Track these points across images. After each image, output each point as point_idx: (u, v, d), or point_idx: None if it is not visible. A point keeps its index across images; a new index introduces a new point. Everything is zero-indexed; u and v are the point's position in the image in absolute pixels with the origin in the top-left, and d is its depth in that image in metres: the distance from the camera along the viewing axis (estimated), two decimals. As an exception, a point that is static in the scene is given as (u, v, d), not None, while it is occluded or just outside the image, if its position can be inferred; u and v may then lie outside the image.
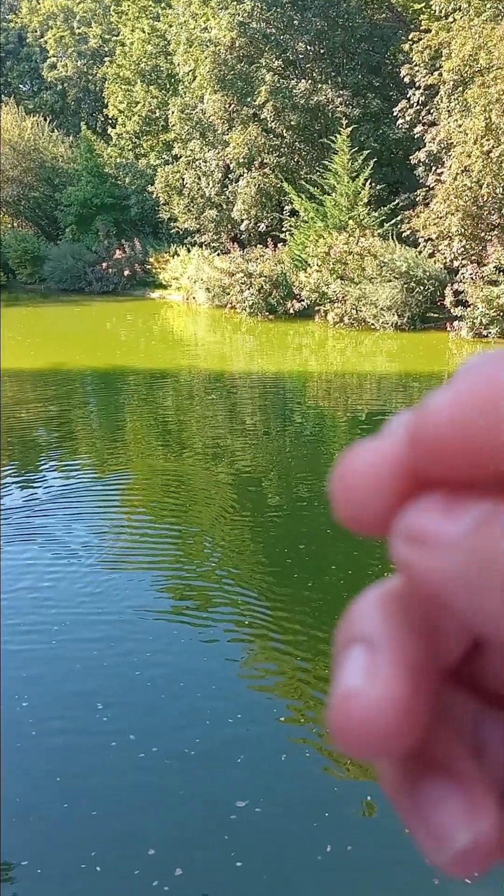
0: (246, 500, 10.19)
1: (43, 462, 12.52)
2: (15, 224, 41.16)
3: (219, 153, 28.03)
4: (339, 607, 7.34)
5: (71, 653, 6.64)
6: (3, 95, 46.48)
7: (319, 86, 27.06)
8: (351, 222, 23.94)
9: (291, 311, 24.27)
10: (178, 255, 30.82)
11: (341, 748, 0.28)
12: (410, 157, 24.38)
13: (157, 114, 33.25)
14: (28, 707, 5.83)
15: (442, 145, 23.07)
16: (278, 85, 26.07)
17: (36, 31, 53.02)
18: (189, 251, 30.28)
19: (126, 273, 32.22)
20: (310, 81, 26.75)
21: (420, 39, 22.03)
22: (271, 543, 8.91)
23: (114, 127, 36.57)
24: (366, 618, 0.29)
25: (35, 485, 11.23)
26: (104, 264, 32.51)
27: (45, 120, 42.42)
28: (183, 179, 29.83)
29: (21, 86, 54.66)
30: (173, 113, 29.12)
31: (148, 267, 32.33)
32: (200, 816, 4.78)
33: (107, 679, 6.22)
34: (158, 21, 33.19)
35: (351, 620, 0.30)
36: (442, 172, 22.96)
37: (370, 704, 0.27)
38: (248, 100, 26.86)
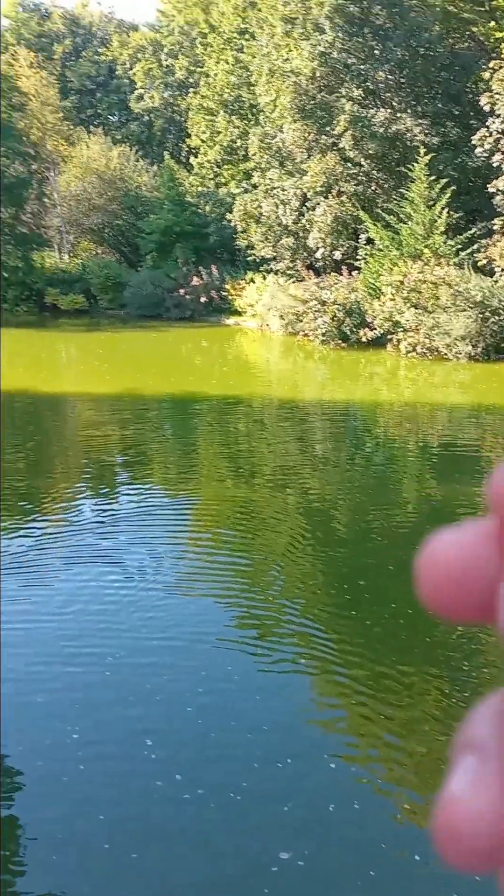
0: (313, 529, 10.13)
1: (114, 483, 12.81)
2: (99, 251, 42.25)
3: (297, 182, 28.25)
4: (400, 643, 7.24)
5: (125, 679, 6.67)
6: (91, 126, 47.83)
7: (399, 115, 27.06)
8: (426, 251, 23.76)
9: (364, 339, 24.17)
10: (254, 283, 31.10)
11: (442, 855, 0.27)
12: (489, 186, 24.11)
13: (238, 143, 33.77)
14: (78, 737, 5.88)
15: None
16: (358, 114, 26.17)
17: (125, 64, 54.55)
18: (265, 278, 30.54)
19: (203, 299, 32.67)
20: (389, 110, 26.78)
21: (501, 68, 21.82)
22: (336, 575, 8.84)
23: (196, 157, 37.27)
24: (482, 726, 0.29)
25: (104, 506, 11.52)
26: (182, 291, 33.05)
27: (131, 150, 43.54)
28: (261, 208, 30.14)
29: (110, 117, 56.25)
30: (253, 142, 29.53)
31: (224, 293, 32.72)
32: (241, 867, 4.72)
33: (158, 711, 6.21)
34: (242, 53, 33.77)
35: (468, 726, 0.30)
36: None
37: (474, 812, 0.27)
38: (328, 129, 27.04)
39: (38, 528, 10.28)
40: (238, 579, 8.81)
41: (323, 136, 27.23)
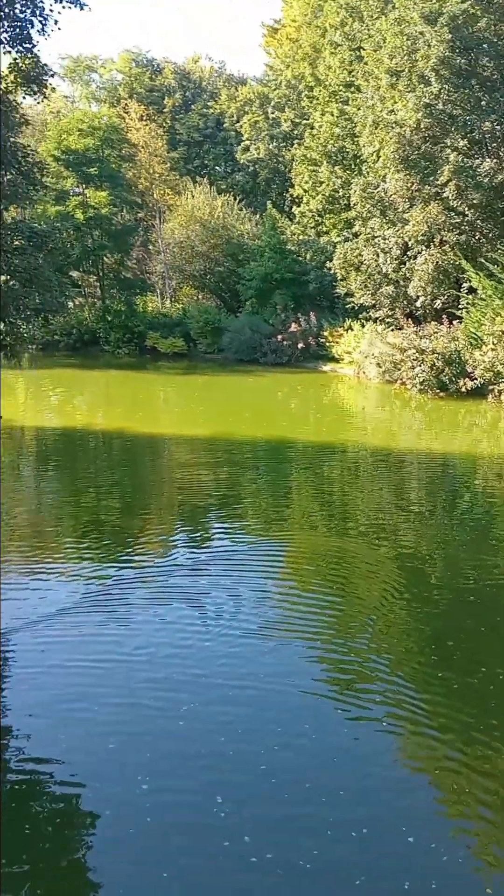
0: (406, 581, 9.78)
1: (205, 527, 12.77)
2: (199, 296, 43.10)
3: (398, 231, 28.16)
4: (491, 702, 6.92)
5: (200, 724, 6.48)
6: (198, 176, 49.17)
7: (504, 164, 26.74)
8: (531, 301, 23.20)
9: (463, 389, 23.65)
10: (352, 330, 31.02)
11: None
12: None
13: (340, 193, 34.02)
14: (147, 788, 5.69)
15: None
16: (462, 164, 25.97)
17: (233, 117, 56.02)
18: (363, 326, 30.42)
19: (300, 346, 32.78)
20: (495, 160, 26.48)
21: None
22: (428, 630, 8.47)
23: (298, 205, 37.74)
24: None
25: (196, 545, 11.53)
26: (279, 336, 33.25)
27: (234, 199, 44.48)
28: (361, 256, 30.14)
29: (216, 167, 57.76)
30: (355, 192, 29.66)
31: (321, 340, 32.76)
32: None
33: (233, 765, 5.97)
34: (347, 105, 34.18)
35: None
36: None
37: None
38: (431, 179, 26.92)
39: (126, 566, 10.30)
40: (327, 626, 8.57)
41: (426, 186, 27.11)
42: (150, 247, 44.05)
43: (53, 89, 20.51)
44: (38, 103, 24.87)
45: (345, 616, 8.90)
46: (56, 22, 17.99)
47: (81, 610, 8.77)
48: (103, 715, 6.67)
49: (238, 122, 54.91)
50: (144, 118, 42.93)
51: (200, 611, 8.83)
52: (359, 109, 31.63)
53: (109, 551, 10.97)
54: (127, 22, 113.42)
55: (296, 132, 46.91)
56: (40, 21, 17.73)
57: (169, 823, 5.32)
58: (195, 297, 42.72)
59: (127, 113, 42.68)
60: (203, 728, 6.47)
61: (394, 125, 27.20)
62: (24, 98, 21.43)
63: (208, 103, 58.11)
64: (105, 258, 39.47)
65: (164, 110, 57.53)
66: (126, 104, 45.51)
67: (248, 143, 53.31)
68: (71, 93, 61.98)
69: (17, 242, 19.03)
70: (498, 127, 26.78)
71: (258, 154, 52.86)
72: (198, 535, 12.18)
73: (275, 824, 5.31)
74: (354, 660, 7.74)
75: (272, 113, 52.32)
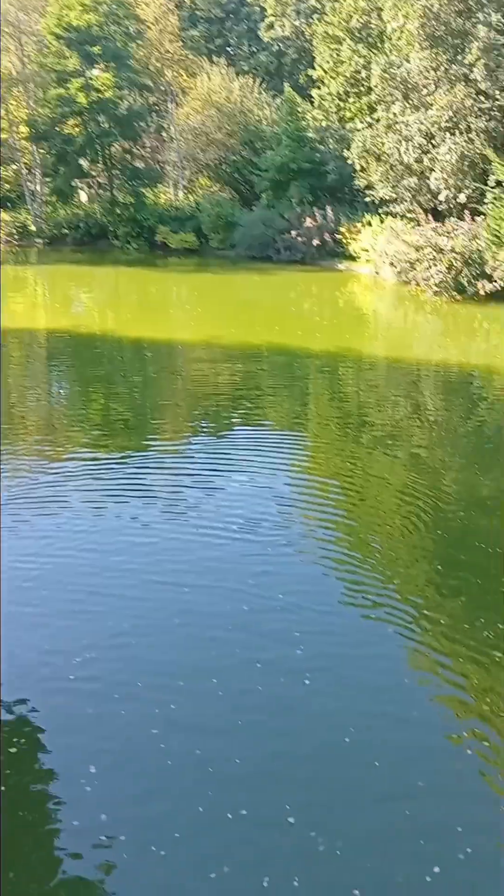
0: (419, 488, 9.39)
1: (221, 422, 12.70)
2: (215, 188, 40.83)
3: (421, 116, 25.89)
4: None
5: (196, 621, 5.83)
6: (214, 56, 46.04)
7: (541, 42, 24.23)
8: None
9: (482, 292, 22.03)
10: (371, 226, 29.08)
11: None
12: None
13: (363, 74, 31.32)
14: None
15: None
16: (493, 41, 23.51)
17: (257, -10, 52.13)
18: (382, 222, 28.47)
19: (315, 242, 30.90)
20: (530, 37, 23.99)
21: None
22: (438, 541, 8.18)
23: (318, 88, 35.01)
24: None
25: (208, 441, 11.77)
26: (294, 232, 31.37)
27: (254, 81, 41.59)
28: (382, 144, 27.92)
29: (239, 47, 54.14)
30: (375, 72, 27.22)
31: (338, 237, 30.83)
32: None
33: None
34: (374, -26, 31.12)
35: None
36: None
37: None
38: (458, 58, 24.51)
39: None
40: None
41: (453, 66, 24.70)
42: (164, 134, 41.55)
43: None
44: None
45: (356, 522, 8.65)
46: None
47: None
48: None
49: (263, -5, 51.07)
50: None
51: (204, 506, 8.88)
52: (384, -22, 28.78)
53: (130, 439, 11.45)
54: None
55: (324, 6, 43.37)
56: None
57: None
58: (210, 189, 40.42)
59: (135, -15, 39.45)
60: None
61: (419, -4, 24.61)
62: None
63: (228, -24, 54.04)
64: (112, 146, 37.25)
65: (184, -17, 53.66)
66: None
67: (272, 19, 49.68)
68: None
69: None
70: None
71: (283, 31, 49.32)
72: (211, 432, 12.25)
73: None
74: (363, 565, 7.58)
75: (299, -16, 48.52)
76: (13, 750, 5.03)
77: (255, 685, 5.69)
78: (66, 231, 38.31)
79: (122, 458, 10.62)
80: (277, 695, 5.60)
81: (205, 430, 12.46)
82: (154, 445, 11.47)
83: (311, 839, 4.31)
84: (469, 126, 24.84)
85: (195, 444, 11.67)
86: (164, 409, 13.75)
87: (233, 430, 12.41)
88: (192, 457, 10.98)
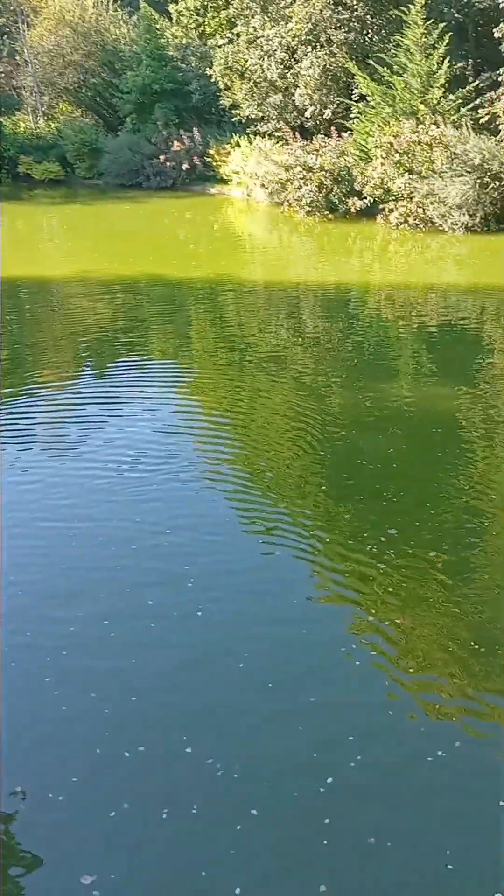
0: (307, 411, 9.47)
1: (104, 357, 12.50)
2: (77, 114, 39.05)
3: (282, 30, 25.32)
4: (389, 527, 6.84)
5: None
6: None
7: None
8: (423, 107, 21.35)
9: (353, 209, 22.10)
10: (240, 147, 28.56)
11: None
12: (495, 31, 21.37)
13: (221, -14, 30.30)
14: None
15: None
16: None
17: None
18: (251, 143, 27.98)
19: (185, 167, 30.15)
20: None
21: None
22: (328, 458, 8.34)
23: (175, 3, 33.67)
24: None
25: (94, 376, 11.58)
26: (162, 157, 30.49)
27: (109, -1, 39.61)
28: (245, 61, 27.25)
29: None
30: (232, -17, 26.43)
31: (208, 160, 30.17)
32: None
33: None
34: None
35: None
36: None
37: None
38: (315, -35, 23.96)
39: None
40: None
41: (310, -25, 24.15)
42: (17, 58, 39.24)
43: None
44: None
45: (245, 448, 8.74)
46: None
47: None
48: None
49: None
50: None
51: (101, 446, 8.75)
52: None
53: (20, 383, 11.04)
54: None
55: None
56: None
57: None
58: (72, 115, 38.61)
59: None
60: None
61: None
62: None
63: None
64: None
65: None
66: None
67: None
68: None
69: None
70: None
71: None
72: (93, 367, 12.07)
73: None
74: (252, 490, 7.68)
75: None
76: None
77: (146, 622, 5.70)
78: None
79: (10, 399, 10.31)
80: (170, 629, 5.63)
81: (87, 365, 12.25)
82: (34, 385, 11.12)
83: (208, 766, 4.39)
84: (329, 38, 24.49)
85: (78, 380, 11.48)
86: (43, 346, 13.35)
87: (115, 363, 12.22)
88: (77, 393, 10.80)
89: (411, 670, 5.19)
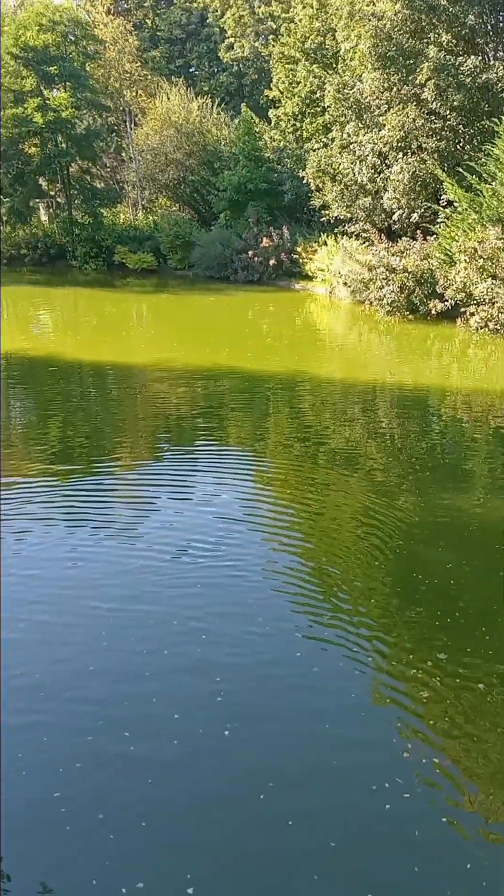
0: (375, 510, 9.32)
1: (181, 443, 12.72)
2: (174, 208, 40.71)
3: (374, 136, 25.92)
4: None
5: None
6: (178, 77, 46.06)
7: (491, 62, 24.42)
8: (509, 215, 21.29)
9: (434, 311, 21.98)
10: (326, 245, 29.02)
11: None
12: None
13: (318, 94, 31.40)
14: None
15: None
16: (444, 61, 23.61)
17: (216, 11, 52.30)
18: (337, 241, 28.42)
19: (272, 262, 30.79)
20: (480, 57, 24.14)
21: None
22: (395, 562, 8.11)
23: (276, 109, 35.06)
24: None
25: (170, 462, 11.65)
26: (251, 252, 31.25)
27: (213, 102, 41.60)
28: (337, 164, 27.91)
29: (199, 68, 54.25)
30: (329, 92, 27.25)
31: (295, 257, 30.75)
32: None
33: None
34: (328, -5, 31.23)
35: None
36: None
37: None
38: (410, 78, 24.58)
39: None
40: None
41: (404, 86, 24.77)
42: (123, 154, 41.35)
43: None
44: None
45: (313, 545, 8.58)
46: None
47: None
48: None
49: (222, 17, 51.30)
50: (112, 12, 39.64)
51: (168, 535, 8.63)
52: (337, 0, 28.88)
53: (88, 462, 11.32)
54: None
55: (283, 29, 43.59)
56: None
57: None
58: (170, 210, 40.26)
59: (93, 6, 39.34)
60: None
61: (371, 17, 24.70)
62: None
63: (191, -4, 54.21)
64: (71, 166, 36.99)
65: (145, 4, 53.76)
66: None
67: (231, 40, 49.91)
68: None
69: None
70: (484, 20, 24.36)
71: (243, 52, 49.58)
72: (168, 450, 12.24)
73: None
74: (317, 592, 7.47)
75: (258, 7, 48.80)
76: None
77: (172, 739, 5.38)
78: (25, 251, 37.96)
79: (77, 478, 10.40)
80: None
81: (161, 448, 12.41)
82: (112, 466, 11.21)
83: None
84: (420, 146, 24.91)
85: (150, 462, 11.63)
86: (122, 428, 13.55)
87: (189, 447, 12.36)
88: (147, 475, 10.92)
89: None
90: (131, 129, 39.82)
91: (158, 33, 52.98)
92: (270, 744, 5.22)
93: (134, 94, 40.79)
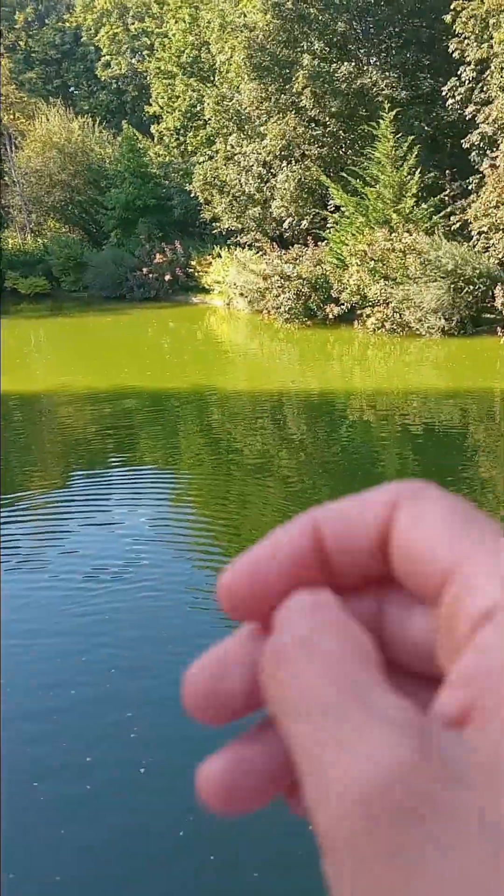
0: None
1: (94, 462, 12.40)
2: (64, 229, 40.05)
3: (257, 146, 26.07)
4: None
5: None
6: (57, 97, 45.43)
7: (365, 67, 24.88)
8: (395, 216, 21.67)
9: (331, 315, 22.16)
10: (220, 258, 29.02)
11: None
12: (463, 141, 21.95)
13: (199, 108, 31.47)
14: None
15: (497, 125, 20.64)
16: (318, 69, 23.93)
17: (90, 30, 51.94)
18: (231, 253, 28.44)
19: (167, 278, 30.60)
20: (353, 63, 24.55)
21: (464, 9, 19.60)
22: None
23: (158, 124, 34.98)
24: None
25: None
26: (145, 269, 30.98)
27: (95, 121, 41.19)
28: (223, 176, 27.98)
29: (78, 87, 53.73)
30: (208, 105, 27.33)
31: (190, 271, 30.65)
32: None
33: None
34: (199, 9, 31.37)
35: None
36: (497, 156, 20.53)
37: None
38: (287, 87, 24.83)
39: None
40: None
41: (282, 95, 25.01)
42: (5, 178, 40.49)
43: None
44: None
45: (233, 558, 7.81)
46: None
47: None
48: None
49: (97, 35, 50.98)
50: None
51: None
52: (208, 13, 29.02)
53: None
54: None
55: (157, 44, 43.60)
56: None
57: None
58: (59, 231, 39.59)
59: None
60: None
61: (242, 28, 24.85)
62: None
63: (63, 16, 53.71)
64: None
65: (16, 26, 52.96)
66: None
67: (108, 58, 49.63)
68: None
69: None
70: (354, 26, 24.81)
71: (120, 70, 49.36)
72: (75, 475, 11.84)
73: None
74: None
75: (132, 24, 48.68)
76: None
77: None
78: None
79: None
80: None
81: (75, 475, 12.00)
82: (19, 495, 10.77)
83: None
84: (304, 153, 25.16)
85: (64, 491, 11.18)
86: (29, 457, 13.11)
87: (98, 470, 11.99)
88: (53, 501, 10.50)
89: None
90: (12, 152, 39.00)
91: (33, 55, 52.29)
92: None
93: (12, 117, 40.01)
